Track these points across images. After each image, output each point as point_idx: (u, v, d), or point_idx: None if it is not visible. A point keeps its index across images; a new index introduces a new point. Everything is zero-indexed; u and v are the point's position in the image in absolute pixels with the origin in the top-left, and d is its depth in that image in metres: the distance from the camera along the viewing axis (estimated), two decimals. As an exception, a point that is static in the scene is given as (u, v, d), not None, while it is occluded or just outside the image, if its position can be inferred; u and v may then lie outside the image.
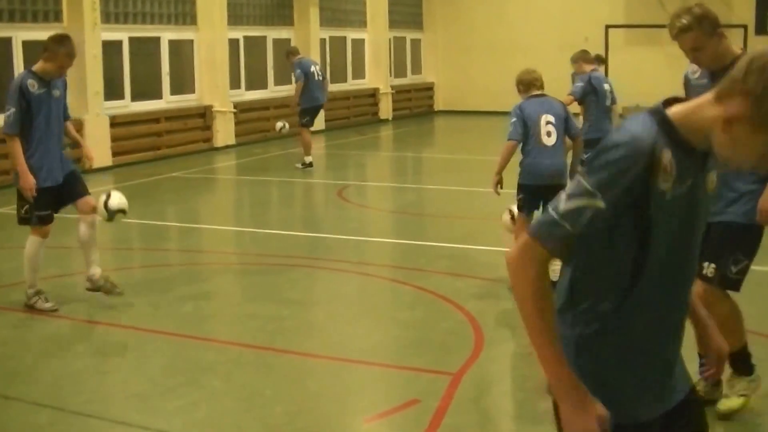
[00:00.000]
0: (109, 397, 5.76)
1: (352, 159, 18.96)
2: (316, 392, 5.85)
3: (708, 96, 2.33)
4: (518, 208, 8.03)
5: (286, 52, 17.34)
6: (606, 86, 11.01)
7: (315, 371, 6.27)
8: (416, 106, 27.64)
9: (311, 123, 16.50)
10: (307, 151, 16.22)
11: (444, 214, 12.03)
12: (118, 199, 7.83)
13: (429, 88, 28.47)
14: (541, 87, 8.11)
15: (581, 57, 11.37)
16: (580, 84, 10.89)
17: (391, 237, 10.86)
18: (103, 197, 7.79)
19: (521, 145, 7.92)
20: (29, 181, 7.30)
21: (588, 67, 11.15)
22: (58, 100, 7.56)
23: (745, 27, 22.96)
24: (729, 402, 5.24)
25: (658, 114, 2.39)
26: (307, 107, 16.29)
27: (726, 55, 4.94)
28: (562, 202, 2.38)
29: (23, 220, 7.58)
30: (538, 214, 8.05)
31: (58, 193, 7.58)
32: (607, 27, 23.94)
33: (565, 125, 7.94)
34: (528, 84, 8.07)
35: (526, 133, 7.85)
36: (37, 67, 7.44)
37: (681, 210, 2.40)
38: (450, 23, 27.68)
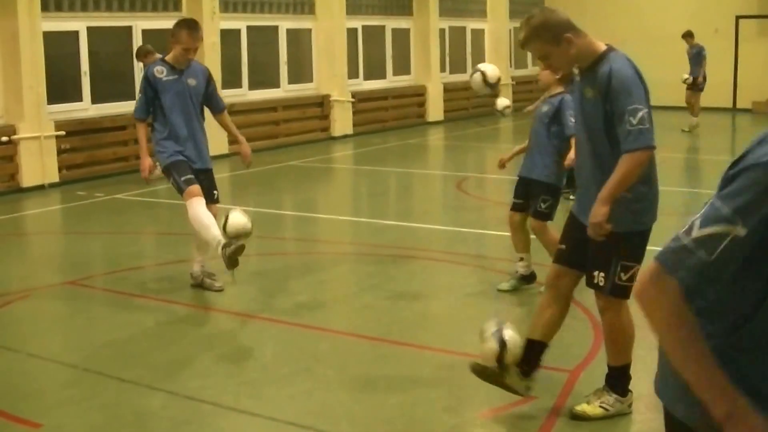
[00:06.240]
0: (221, 383, 5.71)
1: (471, 151, 18.72)
2: (431, 385, 5.70)
3: None
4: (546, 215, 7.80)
5: (144, 50, 13.48)
6: None
7: (430, 363, 6.11)
8: (537, 97, 27.18)
9: None
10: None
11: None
12: (236, 221, 7.31)
13: (550, 80, 28.02)
14: None
15: None
16: None
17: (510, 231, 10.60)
18: (221, 220, 7.34)
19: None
20: (144, 163, 7.56)
21: None
22: (195, 88, 7.58)
23: None
24: (586, 407, 5.04)
25: None
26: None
27: (586, 54, 4.66)
28: (695, 228, 2.15)
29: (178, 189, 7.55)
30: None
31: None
32: (738, 17, 23.15)
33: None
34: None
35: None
36: (168, 55, 7.57)
37: None
38: (573, 12, 27.07)
